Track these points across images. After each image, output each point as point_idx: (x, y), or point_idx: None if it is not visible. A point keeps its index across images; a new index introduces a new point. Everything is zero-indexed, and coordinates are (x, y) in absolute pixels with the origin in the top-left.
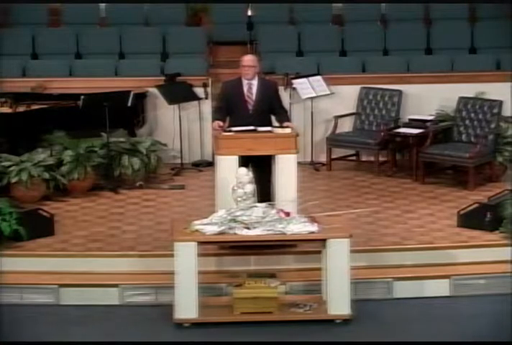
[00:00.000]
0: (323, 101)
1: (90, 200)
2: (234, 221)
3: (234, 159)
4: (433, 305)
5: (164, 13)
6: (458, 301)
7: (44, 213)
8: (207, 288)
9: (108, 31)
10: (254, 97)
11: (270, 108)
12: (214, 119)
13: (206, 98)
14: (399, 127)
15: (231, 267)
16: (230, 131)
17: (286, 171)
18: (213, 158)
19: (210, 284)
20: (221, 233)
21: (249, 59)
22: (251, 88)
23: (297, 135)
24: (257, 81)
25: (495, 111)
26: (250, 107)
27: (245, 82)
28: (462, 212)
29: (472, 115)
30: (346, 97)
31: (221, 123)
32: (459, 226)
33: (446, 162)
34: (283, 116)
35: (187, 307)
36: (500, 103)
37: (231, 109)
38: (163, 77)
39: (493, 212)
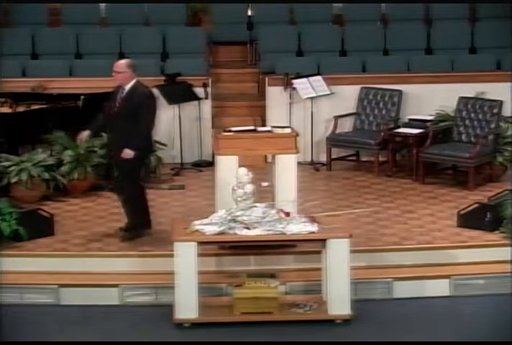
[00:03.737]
0: (323, 101)
1: (90, 200)
2: (234, 221)
3: (234, 159)
4: (433, 305)
5: (164, 13)
6: (458, 301)
7: (44, 213)
8: (207, 288)
9: (108, 31)
10: (119, 102)
11: (133, 117)
12: (88, 127)
13: (206, 98)
14: (399, 127)
15: (231, 267)
16: (230, 131)
17: (286, 171)
18: (213, 158)
19: (210, 284)
20: (221, 233)
21: (116, 64)
22: (122, 93)
23: (297, 135)
24: (129, 87)
25: (495, 111)
26: (115, 111)
27: (121, 87)
28: (462, 212)
29: (472, 115)
30: (346, 97)
31: (85, 136)
32: (459, 226)
33: (446, 162)
34: (131, 139)
35: (187, 307)
36: (500, 103)
37: (107, 112)
38: (163, 77)
39: (493, 212)
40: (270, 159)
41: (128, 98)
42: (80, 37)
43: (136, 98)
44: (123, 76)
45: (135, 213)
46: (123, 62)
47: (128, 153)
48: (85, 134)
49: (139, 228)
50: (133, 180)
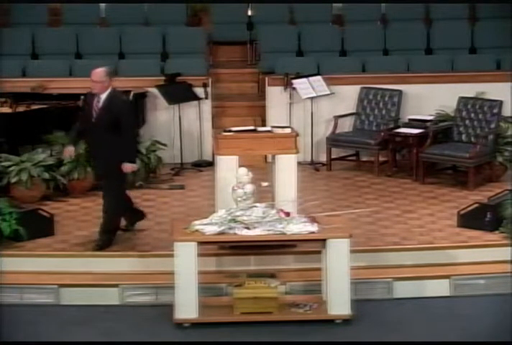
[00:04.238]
0: (323, 101)
1: (90, 200)
2: (234, 221)
3: (234, 159)
4: (433, 305)
5: (164, 13)
6: (458, 301)
7: (44, 213)
8: (207, 288)
9: (108, 31)
10: (97, 111)
11: (114, 126)
12: (68, 142)
13: (206, 98)
14: (399, 127)
15: (231, 267)
16: (230, 131)
17: (286, 171)
18: (213, 158)
19: (210, 284)
20: (221, 233)
21: (94, 73)
22: (98, 102)
23: (297, 135)
24: (106, 95)
25: (495, 111)
26: (93, 121)
27: (96, 95)
28: (462, 212)
29: (472, 115)
30: (346, 97)
31: (71, 152)
32: (459, 226)
33: (446, 162)
34: (123, 152)
35: (187, 307)
36: (500, 103)
37: (84, 121)
38: (163, 77)
39: (493, 212)
40: (270, 159)
41: (106, 108)
42: (80, 37)
43: (116, 107)
44: (102, 86)
45: (110, 223)
46: (101, 70)
47: (130, 167)
48: (70, 150)
49: (112, 233)
50: (122, 188)
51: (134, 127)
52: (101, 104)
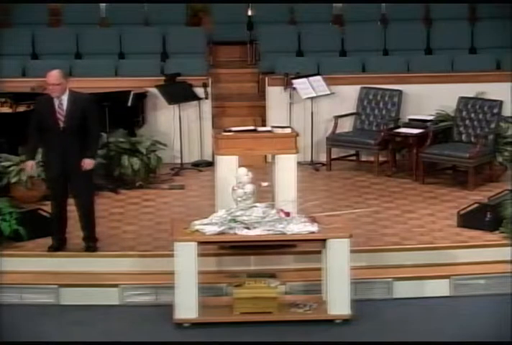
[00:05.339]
0: (323, 101)
1: None
2: (234, 221)
3: (234, 159)
4: (433, 305)
5: (164, 13)
6: (458, 301)
7: (44, 213)
8: (207, 288)
9: (108, 31)
10: (64, 113)
11: (84, 125)
12: (27, 158)
13: (206, 98)
14: (399, 127)
15: (231, 267)
16: (230, 131)
17: (286, 171)
18: (213, 158)
19: (210, 284)
20: (221, 233)
21: (52, 76)
22: (62, 104)
23: (297, 135)
24: (67, 96)
25: (495, 111)
26: (61, 124)
27: (55, 99)
28: (462, 212)
29: (472, 115)
30: (346, 97)
31: (33, 165)
32: (459, 226)
33: (446, 162)
34: (90, 148)
35: (187, 307)
36: (500, 103)
37: (43, 128)
38: (163, 77)
39: (493, 212)
40: (270, 159)
41: (73, 108)
42: (80, 37)
43: (82, 104)
44: (61, 87)
45: (94, 221)
46: (57, 72)
47: (89, 163)
48: (31, 164)
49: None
50: (92, 186)
51: (99, 123)
52: (65, 107)
